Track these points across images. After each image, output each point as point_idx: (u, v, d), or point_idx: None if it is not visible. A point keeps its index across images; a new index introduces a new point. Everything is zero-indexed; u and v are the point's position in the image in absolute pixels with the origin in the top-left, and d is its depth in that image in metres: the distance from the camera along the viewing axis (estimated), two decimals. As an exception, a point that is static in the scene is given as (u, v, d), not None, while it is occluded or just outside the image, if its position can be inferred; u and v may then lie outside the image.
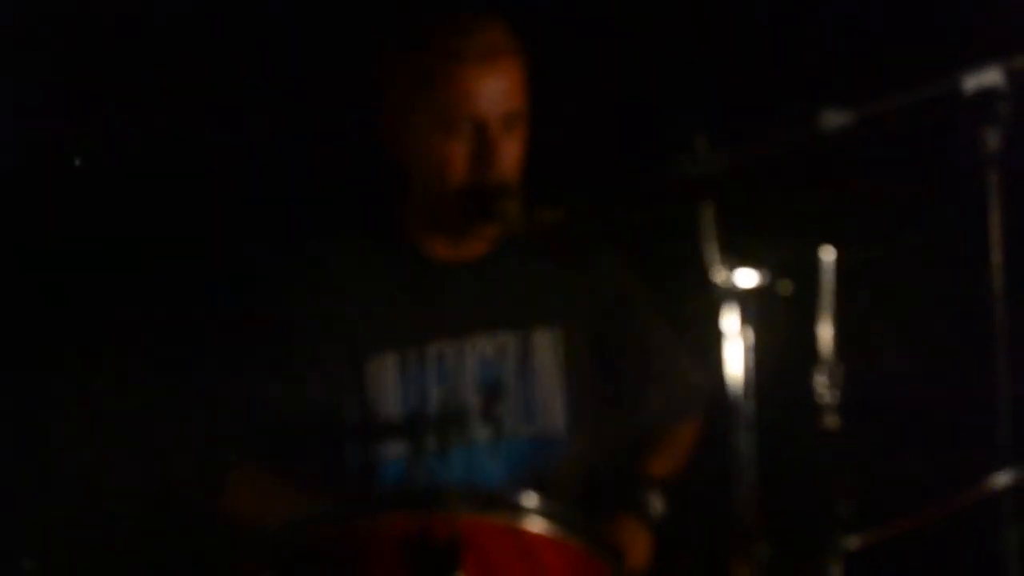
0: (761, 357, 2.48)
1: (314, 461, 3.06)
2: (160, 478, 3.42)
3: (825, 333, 2.69)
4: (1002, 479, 2.49)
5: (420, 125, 2.98)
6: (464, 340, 3.07)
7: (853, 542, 2.57)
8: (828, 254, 2.67)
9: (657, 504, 3.03)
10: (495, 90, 2.96)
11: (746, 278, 2.44)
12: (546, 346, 3.11)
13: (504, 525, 2.53)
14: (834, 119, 2.65)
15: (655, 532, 2.98)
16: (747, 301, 2.45)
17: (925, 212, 2.77)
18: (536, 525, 2.54)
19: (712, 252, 2.47)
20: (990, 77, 2.64)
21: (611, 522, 3.01)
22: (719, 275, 2.45)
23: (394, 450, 3.04)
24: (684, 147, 2.52)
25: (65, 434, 3.55)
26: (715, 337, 2.48)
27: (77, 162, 3.68)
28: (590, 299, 3.14)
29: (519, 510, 2.54)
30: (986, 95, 2.63)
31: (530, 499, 2.55)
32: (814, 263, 2.69)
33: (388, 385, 3.06)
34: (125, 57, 3.64)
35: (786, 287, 2.46)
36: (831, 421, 2.69)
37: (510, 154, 2.96)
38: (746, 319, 2.45)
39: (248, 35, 3.66)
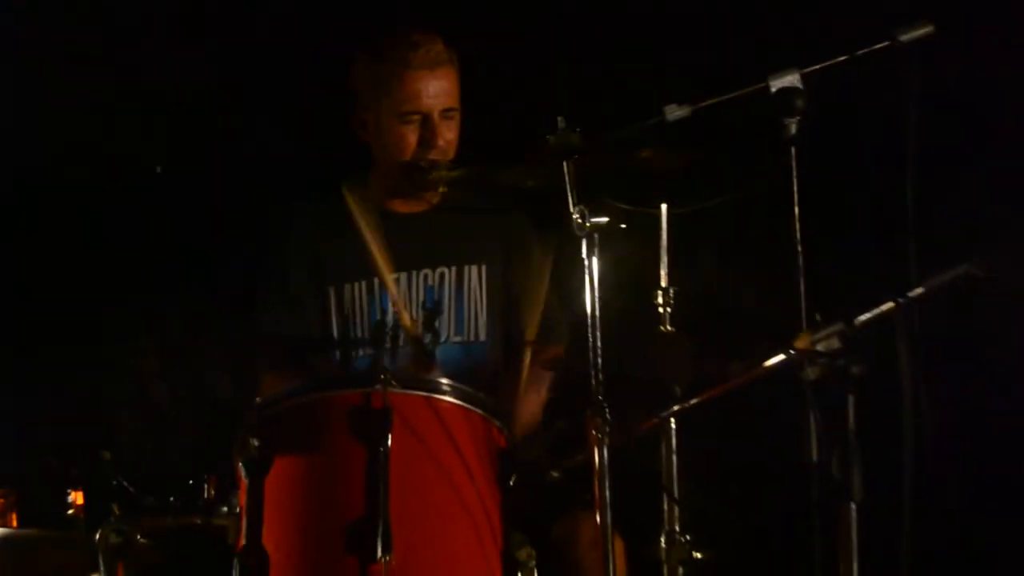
0: (616, 281, 3.02)
1: (310, 361, 3.74)
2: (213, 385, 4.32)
3: (662, 265, 3.35)
4: (774, 359, 2.98)
5: (381, 117, 3.71)
6: (413, 272, 3.77)
7: (680, 409, 3.19)
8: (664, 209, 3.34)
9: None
10: (437, 90, 3.68)
11: (600, 223, 2.99)
12: (474, 278, 3.82)
13: (423, 398, 3.04)
14: (675, 111, 3.22)
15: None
16: (601, 240, 2.99)
17: (741, 178, 3.17)
18: (447, 398, 3.06)
19: (579, 205, 3.03)
20: (790, 79, 3.14)
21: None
22: (584, 220, 3.01)
23: (364, 351, 3.71)
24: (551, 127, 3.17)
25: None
26: (579, 266, 3.02)
27: (159, 170, 4.48)
28: (504, 245, 3.86)
29: (434, 388, 3.06)
30: (787, 93, 3.13)
31: (443, 380, 3.08)
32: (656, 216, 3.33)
33: (359, 304, 3.76)
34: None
35: (620, 223, 2.97)
36: (666, 327, 3.35)
37: (448, 138, 3.69)
38: (598, 253, 2.99)
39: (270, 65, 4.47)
